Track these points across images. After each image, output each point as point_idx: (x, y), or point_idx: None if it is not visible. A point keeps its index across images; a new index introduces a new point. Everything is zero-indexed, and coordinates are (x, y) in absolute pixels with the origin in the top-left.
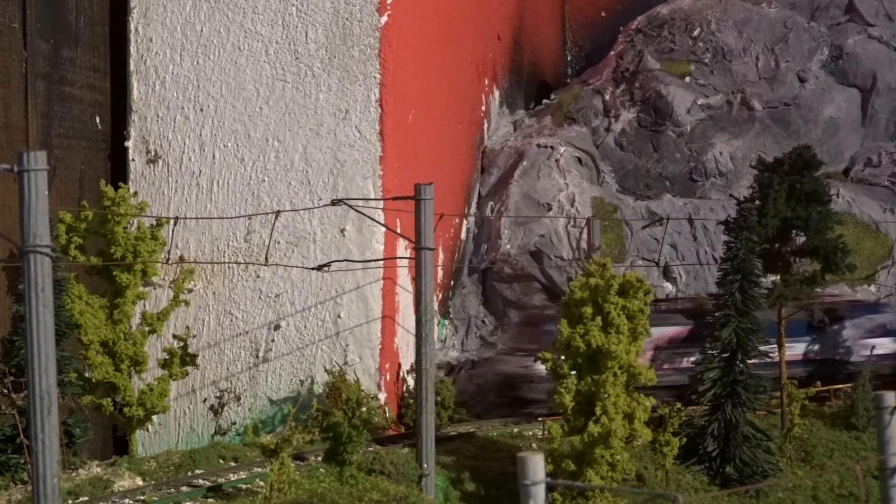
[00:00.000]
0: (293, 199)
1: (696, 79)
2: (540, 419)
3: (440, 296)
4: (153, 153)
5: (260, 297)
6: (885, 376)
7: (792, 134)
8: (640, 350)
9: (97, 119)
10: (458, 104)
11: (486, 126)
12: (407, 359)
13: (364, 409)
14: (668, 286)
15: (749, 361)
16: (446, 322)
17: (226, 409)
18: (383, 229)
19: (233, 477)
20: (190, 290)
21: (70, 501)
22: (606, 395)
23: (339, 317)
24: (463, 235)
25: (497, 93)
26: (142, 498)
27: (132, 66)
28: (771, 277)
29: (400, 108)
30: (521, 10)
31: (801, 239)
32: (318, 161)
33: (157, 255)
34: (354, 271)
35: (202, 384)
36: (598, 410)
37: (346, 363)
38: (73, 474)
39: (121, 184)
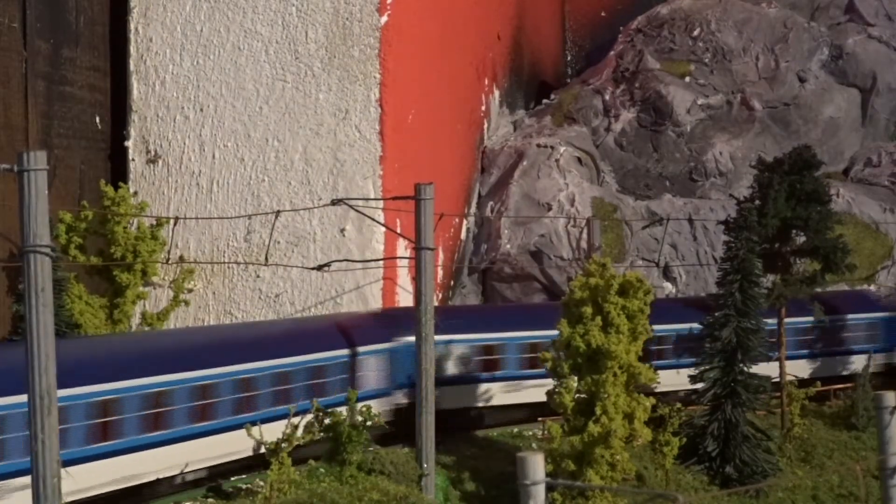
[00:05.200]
0: (293, 199)
1: (696, 79)
2: (540, 419)
3: (440, 296)
4: (153, 153)
5: (260, 297)
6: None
7: (792, 134)
8: (639, 350)
9: (97, 119)
10: (458, 104)
11: (486, 126)
12: None
13: (364, 408)
14: (668, 286)
15: None
16: None
17: None
18: (383, 229)
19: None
20: (190, 290)
21: None
22: (606, 395)
23: None
24: (463, 235)
25: (497, 93)
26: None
27: (132, 66)
28: (771, 277)
29: (400, 108)
30: (521, 10)
31: (801, 239)
32: (318, 161)
33: (157, 255)
34: (354, 271)
35: None
36: (598, 410)
37: None
38: None
39: (121, 184)
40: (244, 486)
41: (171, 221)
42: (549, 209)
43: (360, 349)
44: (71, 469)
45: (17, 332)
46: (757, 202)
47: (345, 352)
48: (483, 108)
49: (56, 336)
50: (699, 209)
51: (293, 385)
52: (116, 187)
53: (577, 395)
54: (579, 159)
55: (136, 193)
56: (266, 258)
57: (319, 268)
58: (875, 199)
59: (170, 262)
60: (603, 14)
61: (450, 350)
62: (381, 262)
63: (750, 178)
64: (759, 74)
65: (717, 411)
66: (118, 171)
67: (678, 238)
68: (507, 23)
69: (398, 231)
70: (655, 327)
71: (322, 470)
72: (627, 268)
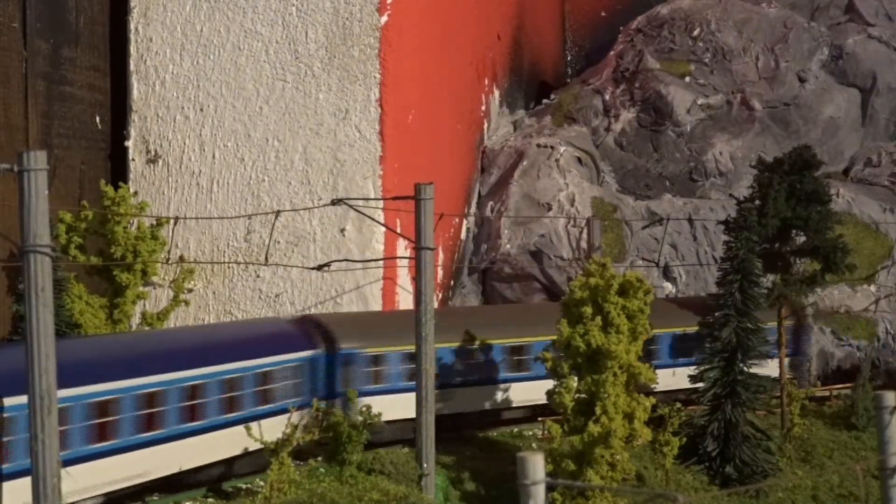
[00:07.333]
0: (293, 199)
1: (696, 79)
2: (540, 419)
3: (440, 295)
4: (153, 153)
5: (260, 297)
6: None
7: (792, 134)
8: (639, 350)
9: (97, 119)
10: (458, 104)
11: (486, 126)
12: None
13: (364, 408)
14: (669, 286)
15: None
16: None
17: None
18: (383, 229)
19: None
20: (190, 290)
21: None
22: (606, 395)
23: None
24: (463, 235)
25: (497, 93)
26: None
27: (132, 66)
28: (771, 277)
29: (400, 108)
30: (521, 10)
31: (801, 239)
32: (318, 161)
33: (157, 255)
34: (354, 271)
35: None
36: (598, 410)
37: None
38: None
39: (121, 184)
40: (244, 486)
41: (171, 221)
42: (549, 209)
43: None
44: None
45: (17, 332)
46: (757, 202)
47: None
48: (483, 108)
49: (56, 336)
50: (699, 209)
51: None
52: (116, 187)
53: (577, 395)
54: (579, 159)
55: (136, 193)
56: (266, 258)
57: (319, 268)
58: (875, 199)
59: (170, 262)
60: (603, 14)
61: None
62: (381, 262)
63: (750, 178)
64: (759, 74)
65: (717, 411)
66: (118, 171)
67: (678, 238)
68: (507, 23)
69: (398, 231)
70: None
71: (322, 470)
72: (627, 268)
